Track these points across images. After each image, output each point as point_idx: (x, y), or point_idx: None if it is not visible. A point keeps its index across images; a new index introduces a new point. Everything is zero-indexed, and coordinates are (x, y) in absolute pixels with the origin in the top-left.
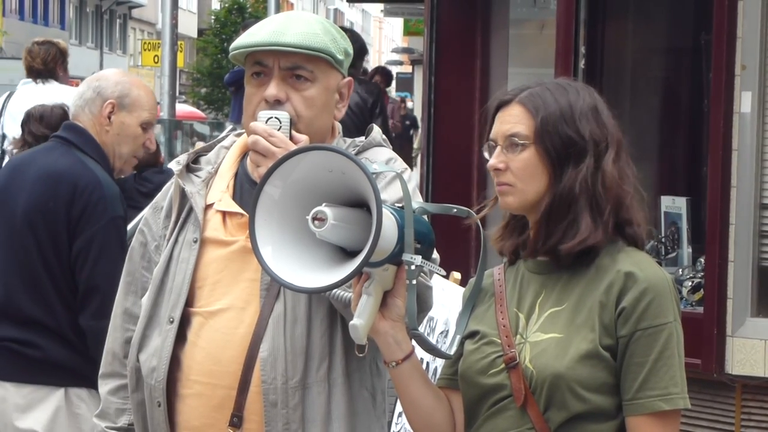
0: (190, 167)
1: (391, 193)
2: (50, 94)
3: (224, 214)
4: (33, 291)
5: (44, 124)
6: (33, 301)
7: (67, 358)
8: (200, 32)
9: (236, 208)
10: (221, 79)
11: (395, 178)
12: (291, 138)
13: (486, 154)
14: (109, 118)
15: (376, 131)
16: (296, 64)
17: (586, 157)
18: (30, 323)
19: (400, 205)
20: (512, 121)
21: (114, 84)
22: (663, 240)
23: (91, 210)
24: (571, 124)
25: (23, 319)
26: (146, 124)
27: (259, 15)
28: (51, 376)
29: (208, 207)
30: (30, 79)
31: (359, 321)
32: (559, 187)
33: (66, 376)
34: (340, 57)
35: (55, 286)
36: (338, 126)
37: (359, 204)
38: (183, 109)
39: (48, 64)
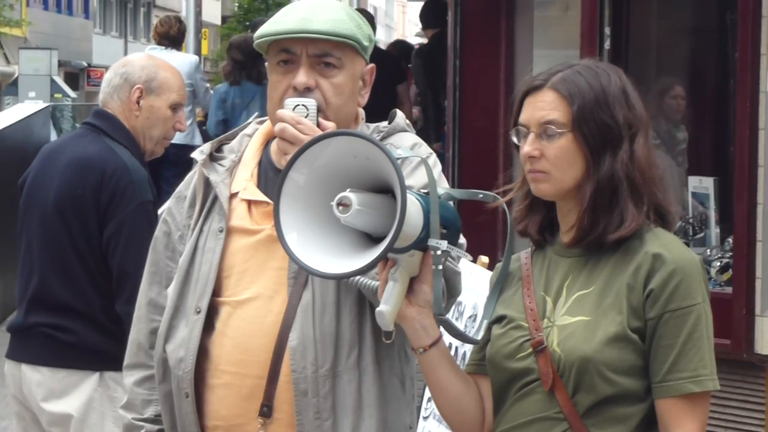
0: (214, 156)
1: (416, 179)
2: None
3: (249, 202)
4: (66, 278)
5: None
6: (66, 288)
7: (100, 342)
8: (224, 19)
9: (261, 197)
10: None
11: (420, 164)
12: (318, 125)
13: (514, 139)
14: (138, 102)
15: (400, 116)
16: (325, 51)
17: (623, 143)
18: (63, 309)
19: (426, 191)
20: (546, 107)
21: (140, 68)
22: (691, 220)
23: (120, 196)
24: (606, 110)
25: (57, 305)
26: (175, 105)
27: (283, 2)
28: (85, 361)
29: (232, 196)
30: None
31: (386, 307)
32: (599, 175)
33: (100, 360)
34: (366, 43)
35: (88, 272)
36: (361, 112)
37: (384, 190)
38: None
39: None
